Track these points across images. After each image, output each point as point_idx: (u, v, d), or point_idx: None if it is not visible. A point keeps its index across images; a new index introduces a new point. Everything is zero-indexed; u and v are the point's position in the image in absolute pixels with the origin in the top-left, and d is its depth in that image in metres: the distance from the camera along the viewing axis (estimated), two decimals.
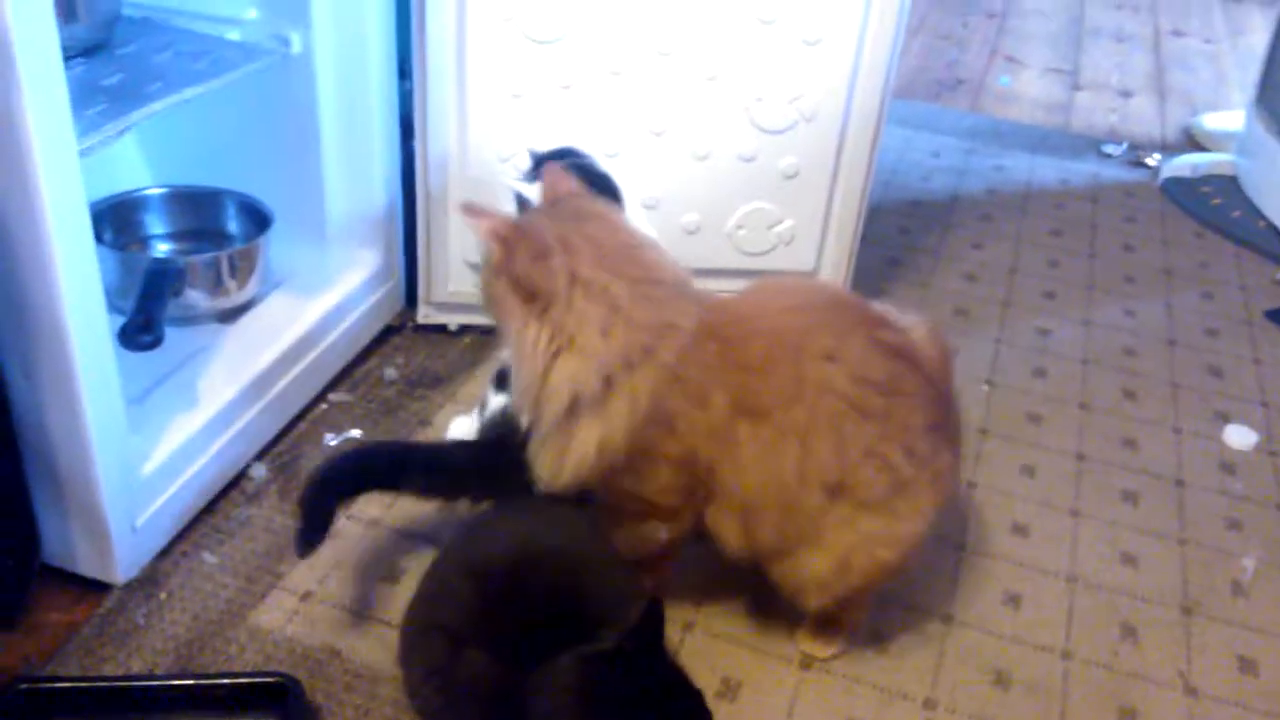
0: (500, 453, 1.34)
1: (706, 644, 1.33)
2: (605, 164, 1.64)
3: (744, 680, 1.29)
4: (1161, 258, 2.33)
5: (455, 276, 1.77)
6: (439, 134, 1.65)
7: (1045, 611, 1.43)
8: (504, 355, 1.44)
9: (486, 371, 1.73)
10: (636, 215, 1.70)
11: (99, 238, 1.50)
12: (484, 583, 1.11)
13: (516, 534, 1.18)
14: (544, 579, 1.12)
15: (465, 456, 1.40)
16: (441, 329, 1.82)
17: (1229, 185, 2.57)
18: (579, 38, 1.61)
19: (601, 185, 1.54)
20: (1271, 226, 2.40)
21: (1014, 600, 1.44)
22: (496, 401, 1.41)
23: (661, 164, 1.72)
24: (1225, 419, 1.84)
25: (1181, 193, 2.58)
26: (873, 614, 1.36)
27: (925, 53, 3.38)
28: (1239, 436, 1.80)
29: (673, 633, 1.32)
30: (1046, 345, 2.00)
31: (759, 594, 1.39)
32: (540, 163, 1.53)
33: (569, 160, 1.56)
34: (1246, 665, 1.38)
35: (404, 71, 1.66)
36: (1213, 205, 2.51)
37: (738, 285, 1.78)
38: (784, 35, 1.64)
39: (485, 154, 1.68)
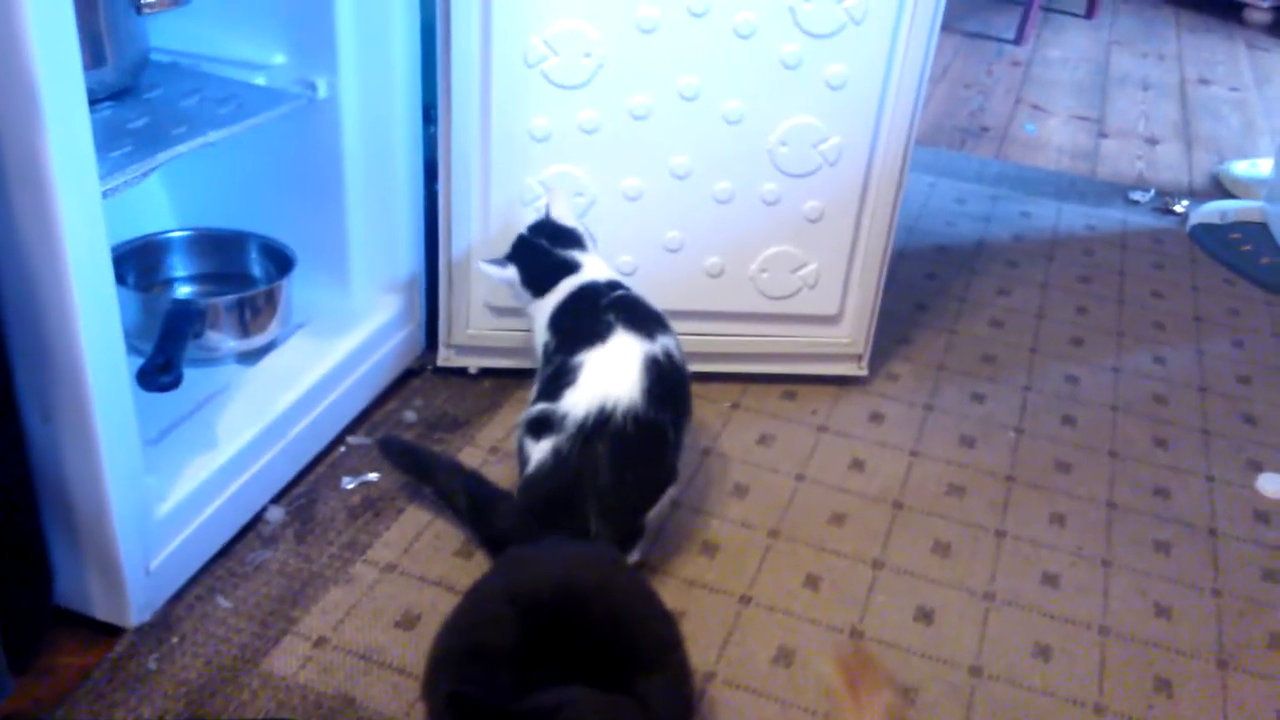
0: (537, 526, 1.36)
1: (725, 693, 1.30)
2: (621, 208, 1.65)
3: None
4: (1191, 304, 2.30)
5: (476, 319, 1.76)
6: (463, 178, 1.65)
7: (1077, 664, 1.39)
8: (533, 402, 1.43)
9: (506, 416, 1.72)
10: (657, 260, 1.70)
11: (123, 280, 1.51)
12: (530, 611, 1.09)
13: (561, 568, 1.17)
14: (587, 615, 1.11)
15: (508, 516, 1.41)
16: (461, 372, 1.81)
17: (1259, 231, 2.54)
18: (602, 83, 1.61)
19: (570, 239, 1.57)
20: None
21: (1044, 652, 1.41)
22: (541, 449, 1.39)
23: (684, 207, 1.71)
24: (1258, 467, 1.80)
25: (1210, 239, 2.55)
26: (901, 671, 1.33)
27: (949, 99, 3.38)
28: (1273, 485, 1.76)
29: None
30: (1075, 392, 1.97)
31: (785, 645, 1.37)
32: (520, 245, 1.56)
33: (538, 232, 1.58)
34: None
35: (429, 116, 1.67)
36: (1242, 251, 2.48)
37: (761, 330, 1.75)
38: (808, 80, 1.64)
39: (509, 197, 1.67)
